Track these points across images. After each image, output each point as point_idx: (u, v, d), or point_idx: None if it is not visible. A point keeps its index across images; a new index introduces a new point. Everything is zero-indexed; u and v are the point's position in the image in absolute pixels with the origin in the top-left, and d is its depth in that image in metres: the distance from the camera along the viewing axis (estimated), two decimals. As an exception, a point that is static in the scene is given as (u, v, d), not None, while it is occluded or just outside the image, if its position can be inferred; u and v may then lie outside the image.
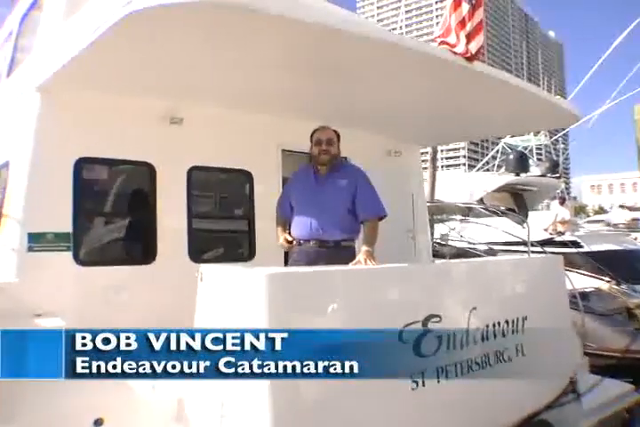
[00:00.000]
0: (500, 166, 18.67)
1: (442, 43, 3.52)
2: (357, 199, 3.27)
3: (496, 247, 8.25)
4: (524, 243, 6.10)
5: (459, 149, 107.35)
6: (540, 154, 26.40)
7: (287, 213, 3.49)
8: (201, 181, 4.47)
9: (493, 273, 3.45)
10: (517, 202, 13.68)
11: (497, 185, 13.19)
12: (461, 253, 8.01)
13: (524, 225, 7.11)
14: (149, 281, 3.89)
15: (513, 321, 3.22)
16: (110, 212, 4.13)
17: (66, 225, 3.60)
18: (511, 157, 14.91)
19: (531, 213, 12.63)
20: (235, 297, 2.32)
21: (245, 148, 4.53)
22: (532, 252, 5.83)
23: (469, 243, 8.61)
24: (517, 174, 14.01)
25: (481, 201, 13.07)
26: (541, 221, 10.49)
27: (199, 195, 4.55)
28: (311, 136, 3.48)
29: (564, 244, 8.68)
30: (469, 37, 3.42)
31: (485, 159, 21.15)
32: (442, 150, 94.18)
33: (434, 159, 11.12)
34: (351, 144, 3.97)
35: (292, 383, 2.13)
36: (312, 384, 2.21)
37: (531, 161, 16.99)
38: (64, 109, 3.63)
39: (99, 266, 3.76)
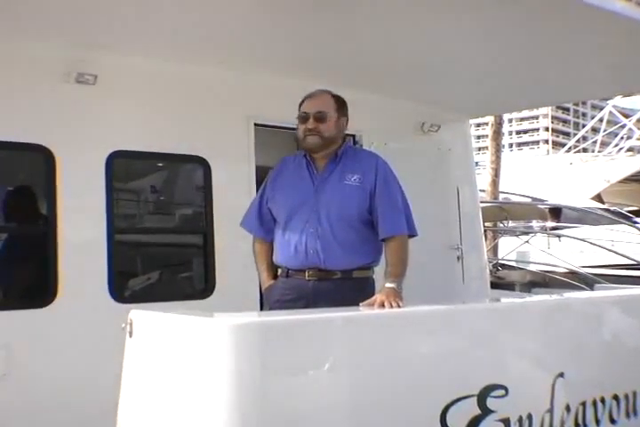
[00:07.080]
0: (604, 144, 18.72)
1: None
2: (376, 205, 3.30)
3: (606, 273, 8.23)
4: None
5: (537, 117, 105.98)
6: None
7: (269, 231, 3.48)
8: (129, 174, 4.47)
9: (592, 318, 3.40)
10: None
11: (629, 171, 12.96)
12: (540, 282, 7.98)
13: None
14: (45, 335, 3.83)
15: (627, 397, 3.16)
16: None
17: None
18: None
19: None
20: (182, 361, 2.31)
21: (197, 122, 4.51)
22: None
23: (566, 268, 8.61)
24: None
25: (598, 198, 12.97)
26: None
27: (126, 195, 4.54)
28: (299, 108, 3.43)
29: None
30: None
31: (582, 132, 21.22)
32: (509, 121, 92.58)
33: (497, 135, 11.11)
34: (363, 115, 3.93)
35: None
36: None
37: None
38: None
39: None
